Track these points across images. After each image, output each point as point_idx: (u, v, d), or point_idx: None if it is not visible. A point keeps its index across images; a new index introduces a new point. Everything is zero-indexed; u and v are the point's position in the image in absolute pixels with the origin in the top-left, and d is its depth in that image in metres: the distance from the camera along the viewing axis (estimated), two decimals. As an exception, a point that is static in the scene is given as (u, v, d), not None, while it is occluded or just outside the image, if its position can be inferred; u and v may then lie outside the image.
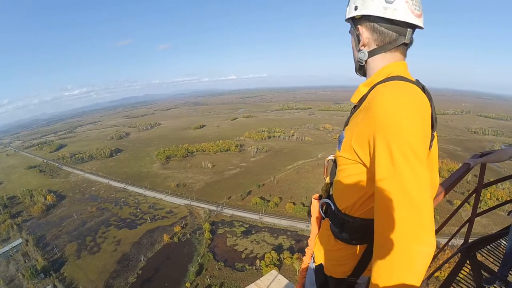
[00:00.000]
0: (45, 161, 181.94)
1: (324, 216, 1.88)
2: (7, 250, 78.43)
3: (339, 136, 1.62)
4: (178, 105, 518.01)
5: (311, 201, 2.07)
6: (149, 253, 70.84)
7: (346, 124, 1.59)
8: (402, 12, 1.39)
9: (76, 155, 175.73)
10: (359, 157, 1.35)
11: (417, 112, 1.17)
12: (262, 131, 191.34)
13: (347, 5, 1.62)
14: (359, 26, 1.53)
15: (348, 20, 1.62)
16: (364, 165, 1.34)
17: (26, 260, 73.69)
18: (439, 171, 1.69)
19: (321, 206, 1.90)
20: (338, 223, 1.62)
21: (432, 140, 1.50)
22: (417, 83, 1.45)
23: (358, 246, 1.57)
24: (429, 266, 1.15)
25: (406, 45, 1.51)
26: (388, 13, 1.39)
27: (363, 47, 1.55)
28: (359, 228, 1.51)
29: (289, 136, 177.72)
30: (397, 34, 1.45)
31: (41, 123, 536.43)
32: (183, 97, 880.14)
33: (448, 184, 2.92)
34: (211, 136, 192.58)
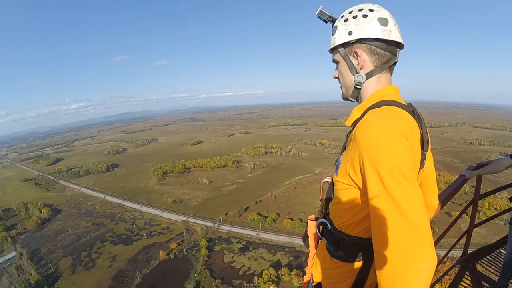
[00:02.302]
0: (41, 174, 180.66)
1: (320, 236, 1.92)
2: (1, 263, 77.36)
3: (336, 161, 1.67)
4: (175, 121, 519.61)
5: (307, 222, 2.14)
6: (145, 270, 69.66)
7: (343, 149, 1.63)
8: (395, 33, 1.52)
9: (72, 169, 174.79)
10: (354, 182, 1.42)
11: (400, 135, 1.23)
12: (259, 147, 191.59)
13: (333, 34, 1.69)
14: (356, 50, 1.57)
15: (338, 46, 1.66)
16: (359, 189, 1.41)
17: (20, 274, 72.49)
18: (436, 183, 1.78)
19: (318, 226, 1.94)
20: (334, 242, 1.67)
21: (424, 159, 1.58)
22: (408, 106, 1.53)
23: (354, 263, 1.61)
24: None
25: (395, 64, 1.62)
26: (386, 34, 1.50)
27: (360, 70, 1.60)
28: (354, 246, 1.56)
29: (286, 152, 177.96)
30: (390, 54, 1.56)
31: (38, 136, 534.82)
32: (180, 113, 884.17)
33: (445, 196, 3.04)
34: (208, 152, 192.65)
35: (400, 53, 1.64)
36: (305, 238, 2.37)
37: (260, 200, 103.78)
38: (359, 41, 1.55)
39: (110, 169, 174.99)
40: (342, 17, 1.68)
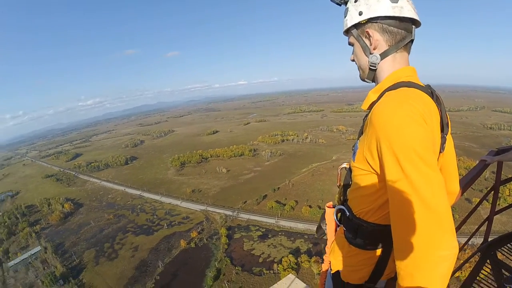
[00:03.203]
0: (61, 170, 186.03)
1: (339, 223, 1.89)
2: (26, 258, 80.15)
3: (353, 146, 1.65)
4: (191, 112, 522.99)
5: (324, 210, 2.11)
6: (166, 259, 71.16)
7: (360, 133, 1.61)
8: (407, 9, 1.46)
9: (92, 164, 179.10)
10: (372, 167, 1.39)
11: (419, 117, 1.19)
12: (276, 135, 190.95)
13: (345, 16, 1.67)
14: (368, 30, 1.55)
15: (350, 28, 1.64)
16: (377, 174, 1.38)
17: (45, 267, 75.05)
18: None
19: (336, 214, 1.91)
20: (352, 229, 1.65)
21: (444, 143, 1.54)
22: (426, 88, 1.48)
23: (373, 251, 1.59)
24: None
25: (412, 42, 1.57)
26: (397, 11, 1.45)
27: (374, 50, 1.57)
28: (373, 233, 1.54)
29: (302, 139, 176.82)
30: (405, 32, 1.50)
31: (57, 133, 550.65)
32: (195, 103, 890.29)
33: (466, 182, 2.87)
34: (224, 141, 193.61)
35: (419, 34, 1.54)
36: (318, 228, 2.42)
37: (278, 188, 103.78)
38: (370, 20, 1.52)
39: (128, 162, 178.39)
40: None
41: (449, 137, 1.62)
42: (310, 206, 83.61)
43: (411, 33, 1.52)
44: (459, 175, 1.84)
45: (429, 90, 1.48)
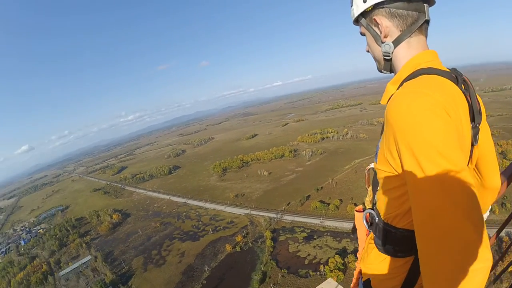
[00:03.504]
0: (108, 183, 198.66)
1: (368, 228, 1.79)
2: (77, 267, 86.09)
3: (376, 146, 1.57)
4: (228, 118, 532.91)
5: (354, 214, 2.05)
6: (212, 263, 72.49)
7: (382, 132, 1.49)
8: None
9: (137, 175, 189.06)
10: (394, 168, 1.28)
11: (439, 109, 1.07)
12: (315, 133, 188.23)
13: (351, 5, 1.59)
14: (375, 18, 1.46)
15: (358, 17, 1.57)
16: (401, 176, 1.25)
17: (95, 275, 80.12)
18: (503, 153, 1.55)
19: (365, 218, 1.83)
20: (381, 235, 1.54)
21: (477, 134, 1.38)
22: (451, 73, 1.32)
23: (404, 258, 1.48)
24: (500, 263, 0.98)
25: (427, 23, 1.44)
26: None
27: (385, 38, 1.48)
28: (403, 239, 1.43)
29: (343, 135, 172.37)
30: (417, 13, 1.37)
31: (102, 149, 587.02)
32: (232, 109, 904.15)
33: (509, 174, 2.28)
34: (264, 144, 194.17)
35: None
36: (354, 230, 2.34)
37: (321, 187, 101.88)
38: (376, 6, 1.43)
39: (172, 171, 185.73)
40: None
41: (483, 126, 1.45)
42: (355, 204, 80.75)
43: (425, 13, 1.39)
44: (508, 160, 1.64)
45: (453, 75, 1.31)
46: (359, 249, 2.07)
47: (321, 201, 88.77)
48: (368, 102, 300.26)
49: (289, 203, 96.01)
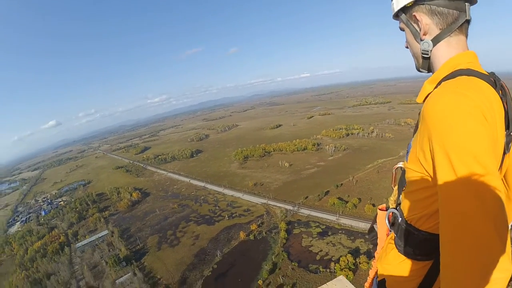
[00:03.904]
0: (131, 162, 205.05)
1: (390, 228, 1.80)
2: (94, 240, 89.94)
3: (408, 145, 1.56)
4: (254, 106, 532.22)
5: (377, 212, 2.07)
6: (225, 249, 73.85)
7: (415, 130, 1.50)
8: None
9: (159, 156, 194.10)
10: (425, 169, 1.28)
11: (478, 113, 1.06)
12: (340, 129, 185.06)
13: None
14: (415, 14, 1.44)
15: (398, 12, 1.56)
16: (431, 177, 1.25)
17: (110, 249, 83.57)
18: None
19: (387, 217, 1.85)
20: (402, 236, 1.55)
21: (510, 142, 1.35)
22: (490, 76, 1.32)
23: (423, 262, 1.49)
24: None
25: (468, 23, 1.43)
26: None
27: (424, 36, 1.46)
28: (424, 242, 1.43)
29: (368, 133, 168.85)
30: (457, 12, 1.36)
31: (127, 128, 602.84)
32: (258, 98, 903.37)
33: None
34: (287, 135, 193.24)
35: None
36: (370, 230, 2.38)
37: (341, 184, 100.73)
38: (416, 2, 1.41)
39: (194, 155, 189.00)
40: None
41: None
42: (373, 205, 79.62)
43: (465, 12, 1.37)
44: None
45: (492, 79, 1.30)
46: (377, 248, 2.09)
47: (339, 198, 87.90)
48: (397, 101, 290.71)
49: (307, 197, 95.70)
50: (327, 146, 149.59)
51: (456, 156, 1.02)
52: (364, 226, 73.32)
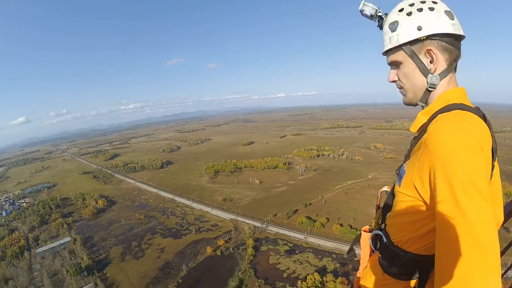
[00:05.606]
0: (99, 168, 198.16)
1: (374, 249, 1.84)
2: (55, 246, 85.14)
3: (398, 170, 1.58)
4: (228, 122, 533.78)
5: (360, 233, 2.06)
6: (191, 263, 71.96)
7: (407, 157, 1.52)
8: (460, 27, 1.41)
9: (129, 165, 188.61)
10: (420, 194, 1.32)
11: (476, 145, 1.14)
12: (311, 149, 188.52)
13: (393, 30, 1.54)
14: (430, 48, 1.45)
15: (403, 44, 1.52)
16: (425, 202, 1.31)
17: (72, 258, 79.40)
18: (507, 195, 1.65)
19: (372, 239, 1.87)
20: (388, 257, 1.58)
21: (492, 170, 1.40)
22: (477, 111, 1.40)
23: (408, 281, 1.53)
24: None
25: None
26: (457, 29, 1.39)
27: (434, 70, 1.48)
28: (410, 263, 1.48)
29: (338, 155, 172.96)
30: (457, 50, 1.44)
31: (98, 133, 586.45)
32: (233, 113, 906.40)
33: (508, 212, 2.43)
34: (259, 152, 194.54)
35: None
36: (350, 250, 2.41)
37: (310, 203, 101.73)
38: (429, 37, 1.42)
39: (164, 166, 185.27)
40: (400, 10, 1.52)
41: (496, 164, 1.47)
42: (341, 225, 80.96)
43: (460, 50, 1.46)
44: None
45: (481, 113, 1.39)
46: (360, 268, 2.09)
47: (308, 217, 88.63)
48: (368, 126, 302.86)
49: (276, 214, 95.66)
50: (298, 166, 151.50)
51: (457, 183, 1.08)
52: (331, 245, 74.21)
